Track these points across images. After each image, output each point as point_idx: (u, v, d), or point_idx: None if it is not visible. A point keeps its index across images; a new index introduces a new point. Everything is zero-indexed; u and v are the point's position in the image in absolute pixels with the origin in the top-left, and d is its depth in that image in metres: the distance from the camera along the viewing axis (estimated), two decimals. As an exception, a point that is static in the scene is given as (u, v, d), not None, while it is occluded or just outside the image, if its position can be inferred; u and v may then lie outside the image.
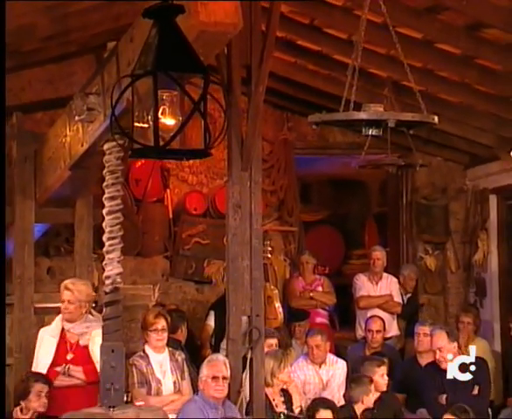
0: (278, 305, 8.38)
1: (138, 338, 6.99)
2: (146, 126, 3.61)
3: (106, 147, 5.78)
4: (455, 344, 7.61)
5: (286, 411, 7.01)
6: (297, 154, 10.64)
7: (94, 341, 6.30)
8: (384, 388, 7.26)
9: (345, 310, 10.82)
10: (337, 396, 7.62)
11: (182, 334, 7.97)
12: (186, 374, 6.75)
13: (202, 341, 8.87)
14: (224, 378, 6.29)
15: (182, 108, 3.62)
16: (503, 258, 10.07)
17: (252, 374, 6.57)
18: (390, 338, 9.30)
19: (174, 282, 9.86)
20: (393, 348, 9.09)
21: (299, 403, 7.35)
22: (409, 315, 9.70)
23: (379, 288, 9.58)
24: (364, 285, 9.58)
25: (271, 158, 10.36)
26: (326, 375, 7.95)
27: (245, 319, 6.59)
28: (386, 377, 7.33)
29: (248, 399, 6.61)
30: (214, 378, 6.27)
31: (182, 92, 3.59)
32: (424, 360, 8.09)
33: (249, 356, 6.58)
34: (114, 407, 5.60)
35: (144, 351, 6.67)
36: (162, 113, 3.58)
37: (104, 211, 5.81)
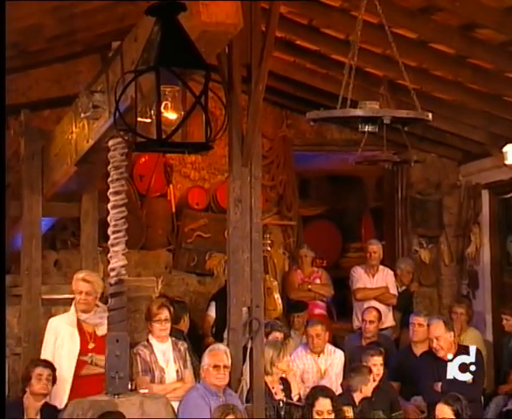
0: (277, 296, 8.39)
1: (142, 328, 7.00)
2: (149, 120, 3.61)
3: (110, 143, 5.81)
4: (452, 333, 7.63)
5: (285, 399, 7.01)
6: (296, 150, 10.63)
7: None
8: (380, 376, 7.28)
9: (342, 301, 10.83)
10: (335, 385, 7.62)
11: (184, 324, 7.97)
12: (188, 362, 6.76)
13: (204, 331, 8.89)
14: (225, 367, 6.30)
15: (184, 103, 3.62)
16: (495, 251, 10.07)
17: (252, 363, 6.58)
18: (385, 328, 9.30)
19: (177, 274, 9.86)
20: (389, 338, 9.09)
21: (297, 391, 7.37)
22: (404, 306, 9.70)
23: (375, 280, 9.58)
24: (361, 278, 9.58)
25: (270, 154, 10.36)
26: (324, 365, 7.96)
27: (245, 309, 6.59)
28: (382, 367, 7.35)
29: (248, 387, 6.62)
30: (215, 367, 6.28)
31: (184, 87, 3.59)
32: (418, 349, 8.10)
33: (249, 346, 6.59)
34: (118, 394, 5.63)
35: (148, 340, 6.67)
36: (164, 108, 3.59)
37: (109, 205, 5.84)
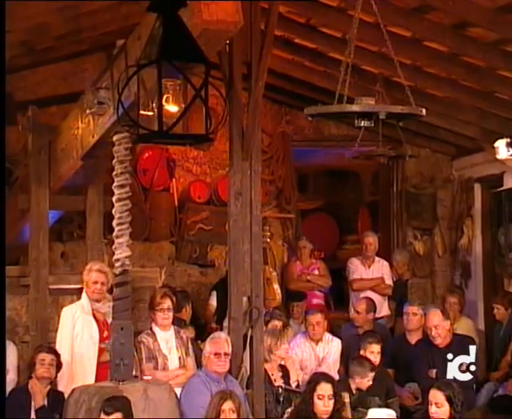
0: (276, 286, 8.38)
1: (146, 317, 7.00)
2: (151, 113, 3.61)
3: (115, 138, 5.81)
4: (448, 322, 7.67)
5: (283, 385, 7.02)
6: (294, 146, 10.62)
7: None
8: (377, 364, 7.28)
9: (340, 292, 10.83)
10: (332, 372, 7.62)
11: (186, 314, 7.99)
12: (190, 350, 6.77)
13: (206, 320, 8.90)
14: (225, 354, 6.30)
15: (184, 96, 3.63)
16: (487, 243, 10.07)
17: (252, 351, 6.59)
18: (381, 317, 9.31)
19: (179, 265, 9.86)
20: (384, 327, 9.09)
21: (296, 378, 7.38)
22: (399, 296, 9.71)
23: (371, 271, 9.58)
24: (357, 269, 9.58)
25: (270, 149, 10.35)
26: (322, 352, 7.98)
27: (245, 299, 6.60)
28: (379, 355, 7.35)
29: (248, 373, 6.63)
30: (216, 354, 6.28)
31: (184, 80, 3.59)
32: (412, 337, 8.11)
33: (249, 334, 6.60)
34: (123, 381, 5.64)
35: (151, 329, 6.68)
36: (166, 101, 3.59)
37: (114, 198, 5.84)
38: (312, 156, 11.64)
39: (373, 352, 7.28)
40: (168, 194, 9.93)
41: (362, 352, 7.31)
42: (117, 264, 5.83)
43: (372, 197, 12.71)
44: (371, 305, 8.61)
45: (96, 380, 6.37)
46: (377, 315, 9.00)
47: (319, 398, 6.07)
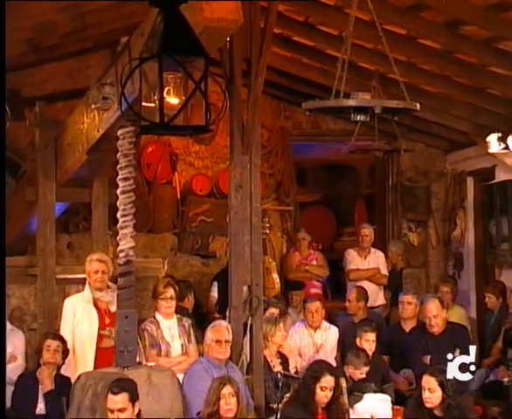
0: (275, 276, 8.38)
1: (149, 306, 7.02)
2: (152, 105, 3.62)
3: (119, 132, 5.81)
4: (445, 311, 7.69)
5: (282, 371, 7.03)
6: (293, 140, 10.61)
7: None
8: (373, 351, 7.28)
9: (337, 282, 10.85)
10: (330, 359, 7.63)
11: (189, 303, 8.00)
12: (192, 337, 6.77)
13: (208, 309, 8.91)
14: (226, 341, 6.30)
15: (185, 89, 3.63)
16: (479, 234, 10.07)
17: (251, 338, 6.60)
18: (377, 306, 9.33)
19: (182, 256, 9.86)
20: (380, 315, 9.11)
21: (294, 365, 7.39)
22: (394, 286, 9.72)
23: (367, 262, 9.59)
24: (354, 259, 9.59)
25: (269, 144, 10.35)
26: (320, 340, 7.98)
27: (245, 288, 6.60)
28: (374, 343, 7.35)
29: (248, 360, 6.64)
30: (218, 342, 6.28)
31: (185, 73, 3.60)
32: (407, 325, 8.12)
33: (249, 322, 6.60)
34: (127, 367, 5.65)
35: (155, 317, 6.68)
36: (167, 93, 3.59)
37: (118, 191, 5.84)
38: (310, 150, 11.64)
39: (368, 340, 7.28)
40: (170, 187, 9.94)
41: (357, 340, 7.31)
42: (121, 255, 5.83)
43: (368, 190, 12.71)
44: (363, 294, 8.62)
45: (97, 365, 6.38)
46: (372, 304, 9.02)
47: (322, 389, 6.06)
